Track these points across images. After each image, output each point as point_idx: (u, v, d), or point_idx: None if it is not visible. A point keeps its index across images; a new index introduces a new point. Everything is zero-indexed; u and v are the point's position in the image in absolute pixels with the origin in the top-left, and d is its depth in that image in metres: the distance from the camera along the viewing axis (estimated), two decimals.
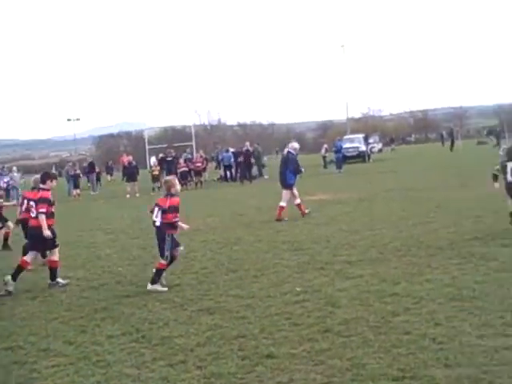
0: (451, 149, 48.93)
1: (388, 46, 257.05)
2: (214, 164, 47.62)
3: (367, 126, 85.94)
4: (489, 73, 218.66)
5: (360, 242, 11.69)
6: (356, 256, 10.30)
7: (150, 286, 9.16)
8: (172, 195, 9.28)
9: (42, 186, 10.17)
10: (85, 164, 41.15)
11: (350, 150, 41.74)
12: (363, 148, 41.76)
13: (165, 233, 9.17)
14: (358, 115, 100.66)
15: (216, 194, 28.32)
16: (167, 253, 9.19)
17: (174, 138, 70.60)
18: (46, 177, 10.27)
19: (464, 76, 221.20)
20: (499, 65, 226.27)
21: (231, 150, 37.77)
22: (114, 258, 12.43)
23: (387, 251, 10.55)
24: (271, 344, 6.40)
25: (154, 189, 31.77)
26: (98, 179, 41.69)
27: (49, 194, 10.00)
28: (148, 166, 42.06)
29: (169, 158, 34.35)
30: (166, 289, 9.13)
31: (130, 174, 31.87)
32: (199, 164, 34.82)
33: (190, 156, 37.17)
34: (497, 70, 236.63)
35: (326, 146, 42.02)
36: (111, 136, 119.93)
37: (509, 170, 11.29)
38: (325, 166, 40.30)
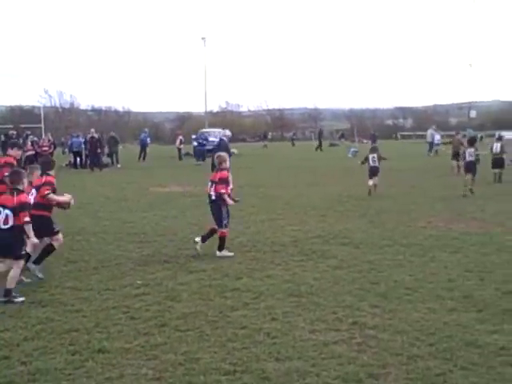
0: (320, 149, 50.47)
1: (250, 42, 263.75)
2: (64, 149, 45.51)
3: (225, 120, 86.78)
4: (343, 77, 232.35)
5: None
6: (201, 250, 10.28)
7: (218, 253, 10.05)
8: (221, 169, 10.24)
9: None
10: None
11: (210, 143, 41.69)
12: None
13: (219, 204, 10.06)
14: (217, 109, 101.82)
15: (62, 180, 27.03)
16: (225, 221, 10.12)
17: (22, 118, 66.39)
18: None
19: (319, 79, 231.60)
20: (353, 70, 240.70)
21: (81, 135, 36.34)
22: None
23: (233, 246, 10.63)
24: (105, 338, 6.18)
25: None
26: None
27: None
28: None
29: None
30: (232, 254, 10.07)
31: None
32: (46, 148, 33.05)
33: (35, 139, 35.20)
34: (350, 75, 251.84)
35: (181, 137, 41.71)
36: None
37: (370, 158, 18.56)
38: (180, 158, 40.05)
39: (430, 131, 41.73)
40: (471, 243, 10.85)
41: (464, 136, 29.76)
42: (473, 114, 71.87)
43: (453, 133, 36.63)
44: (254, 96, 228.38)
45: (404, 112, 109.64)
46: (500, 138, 23.94)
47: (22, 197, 7.77)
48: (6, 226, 7.54)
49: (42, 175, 8.90)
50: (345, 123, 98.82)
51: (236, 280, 8.47)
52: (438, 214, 14.34)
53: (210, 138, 41.97)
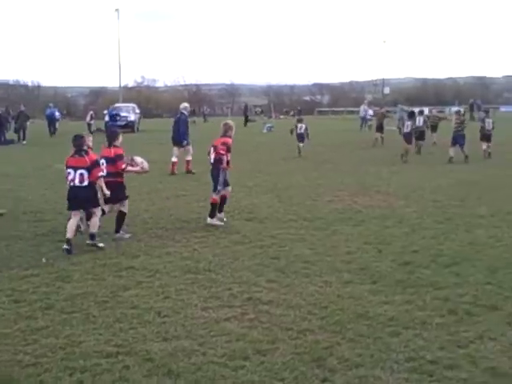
0: (245, 124, 49.71)
1: (166, 15, 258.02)
2: None
3: (141, 95, 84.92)
4: (260, 53, 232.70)
5: (108, 214, 11.23)
6: (102, 229, 9.82)
7: (209, 220, 10.30)
8: (226, 136, 10.54)
9: None
10: None
11: (123, 118, 40.60)
12: (132, 118, 40.83)
13: (218, 169, 10.25)
14: (132, 83, 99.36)
15: None
16: (220, 187, 10.26)
17: None
18: None
19: (237, 54, 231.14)
20: (271, 46, 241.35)
21: None
22: None
23: (134, 224, 10.31)
24: None
25: None
26: None
27: None
28: None
29: None
30: (223, 223, 10.30)
31: None
32: None
33: None
34: (268, 51, 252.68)
35: (91, 112, 40.39)
36: None
37: (298, 127, 23.35)
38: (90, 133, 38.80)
39: (362, 107, 42.17)
40: (373, 216, 11.02)
41: (388, 111, 31.29)
42: (386, 90, 73.83)
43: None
44: (171, 71, 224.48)
45: (321, 88, 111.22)
46: (421, 112, 25.50)
47: (93, 156, 8.82)
48: (84, 184, 8.60)
49: (109, 147, 9.48)
50: (263, 99, 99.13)
51: (132, 258, 8.19)
52: (346, 188, 14.52)
53: (123, 114, 40.92)
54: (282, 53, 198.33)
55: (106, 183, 8.86)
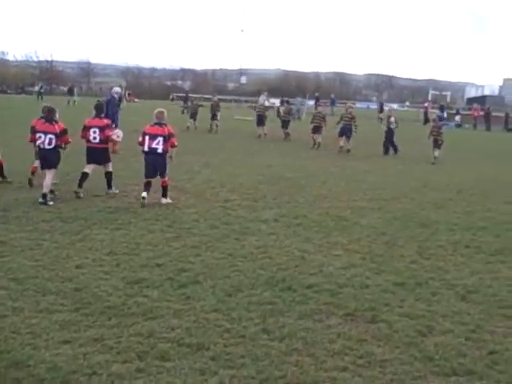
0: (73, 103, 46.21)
1: None
2: None
3: None
4: (119, 32, 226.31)
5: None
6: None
7: (164, 200, 10.99)
8: (161, 124, 10.91)
9: None
10: None
11: None
12: None
13: (165, 158, 10.94)
14: None
15: None
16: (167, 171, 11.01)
17: None
18: None
19: (93, 31, 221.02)
20: (132, 27, 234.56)
21: None
22: None
23: None
24: None
25: None
26: None
27: None
28: None
29: None
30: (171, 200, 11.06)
31: None
32: None
33: None
34: (128, 31, 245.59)
35: None
36: None
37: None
38: None
39: (261, 97, 41.70)
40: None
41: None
42: (243, 79, 73.47)
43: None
44: (24, 44, 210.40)
45: (184, 73, 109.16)
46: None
47: (62, 125, 10.94)
48: (50, 147, 10.64)
49: (98, 117, 11.76)
50: (120, 80, 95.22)
51: None
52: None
53: None
54: (144, 35, 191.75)
55: (97, 148, 11.46)
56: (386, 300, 6.36)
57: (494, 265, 7.94)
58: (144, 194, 10.68)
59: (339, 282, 6.86)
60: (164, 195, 11.02)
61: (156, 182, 11.03)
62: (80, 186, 11.14)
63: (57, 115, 11.03)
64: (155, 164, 10.85)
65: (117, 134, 12.32)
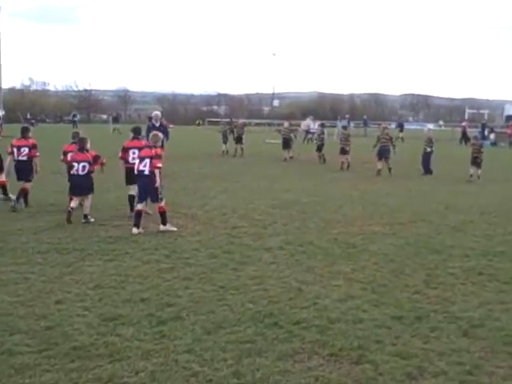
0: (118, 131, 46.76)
1: (66, 19, 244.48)
2: None
3: (25, 98, 79.66)
4: (157, 61, 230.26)
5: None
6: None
7: (162, 227, 10.54)
8: (156, 146, 10.78)
9: None
10: None
11: None
12: None
13: (154, 180, 10.42)
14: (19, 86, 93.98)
15: None
16: (161, 195, 10.58)
17: None
18: None
19: (131, 61, 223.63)
20: (166, 53, 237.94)
21: None
22: None
23: None
24: None
25: None
26: None
27: None
28: None
29: None
30: (175, 228, 10.70)
31: None
32: None
33: None
34: (166, 58, 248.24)
35: None
36: None
37: None
38: None
39: (307, 121, 42.99)
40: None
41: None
42: (275, 103, 73.44)
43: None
44: (64, 75, 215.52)
45: (220, 99, 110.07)
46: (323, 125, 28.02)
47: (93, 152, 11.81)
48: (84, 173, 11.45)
49: (137, 139, 12.20)
50: (157, 107, 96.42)
51: None
52: None
53: None
54: (181, 62, 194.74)
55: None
56: (378, 336, 5.83)
57: (507, 294, 7.32)
58: (135, 230, 10.36)
59: (331, 317, 6.36)
60: (163, 222, 10.62)
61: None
62: (131, 208, 11.61)
63: (88, 145, 11.69)
64: (145, 188, 10.56)
65: None
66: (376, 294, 7.24)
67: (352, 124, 62.87)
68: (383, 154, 21.56)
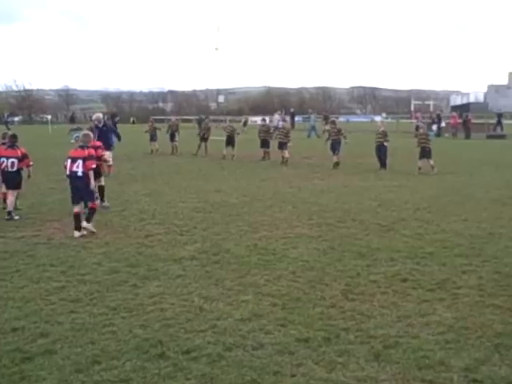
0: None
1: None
2: None
3: None
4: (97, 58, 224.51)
5: None
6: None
7: (86, 224, 10.09)
8: (88, 147, 10.37)
9: None
10: None
11: None
12: None
13: (87, 182, 10.14)
14: None
15: None
16: (96, 194, 11.15)
17: None
18: None
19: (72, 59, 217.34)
20: (108, 52, 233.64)
21: None
22: None
23: None
24: None
25: None
26: None
27: None
28: None
29: None
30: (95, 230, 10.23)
31: None
32: None
33: None
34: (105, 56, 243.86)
35: None
36: None
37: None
38: None
39: (275, 116, 42.52)
40: None
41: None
42: (221, 98, 72.44)
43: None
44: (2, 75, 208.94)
45: (166, 96, 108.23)
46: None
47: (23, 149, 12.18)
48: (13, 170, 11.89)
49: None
50: (103, 106, 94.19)
51: None
52: None
53: None
54: (122, 60, 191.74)
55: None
56: (277, 366, 5.05)
57: (430, 304, 6.65)
58: (76, 234, 10.00)
59: (228, 343, 5.55)
60: (88, 219, 10.21)
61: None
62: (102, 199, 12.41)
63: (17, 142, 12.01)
64: (79, 190, 10.22)
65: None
66: (286, 310, 6.47)
67: (299, 118, 62.60)
68: (335, 148, 21.74)
